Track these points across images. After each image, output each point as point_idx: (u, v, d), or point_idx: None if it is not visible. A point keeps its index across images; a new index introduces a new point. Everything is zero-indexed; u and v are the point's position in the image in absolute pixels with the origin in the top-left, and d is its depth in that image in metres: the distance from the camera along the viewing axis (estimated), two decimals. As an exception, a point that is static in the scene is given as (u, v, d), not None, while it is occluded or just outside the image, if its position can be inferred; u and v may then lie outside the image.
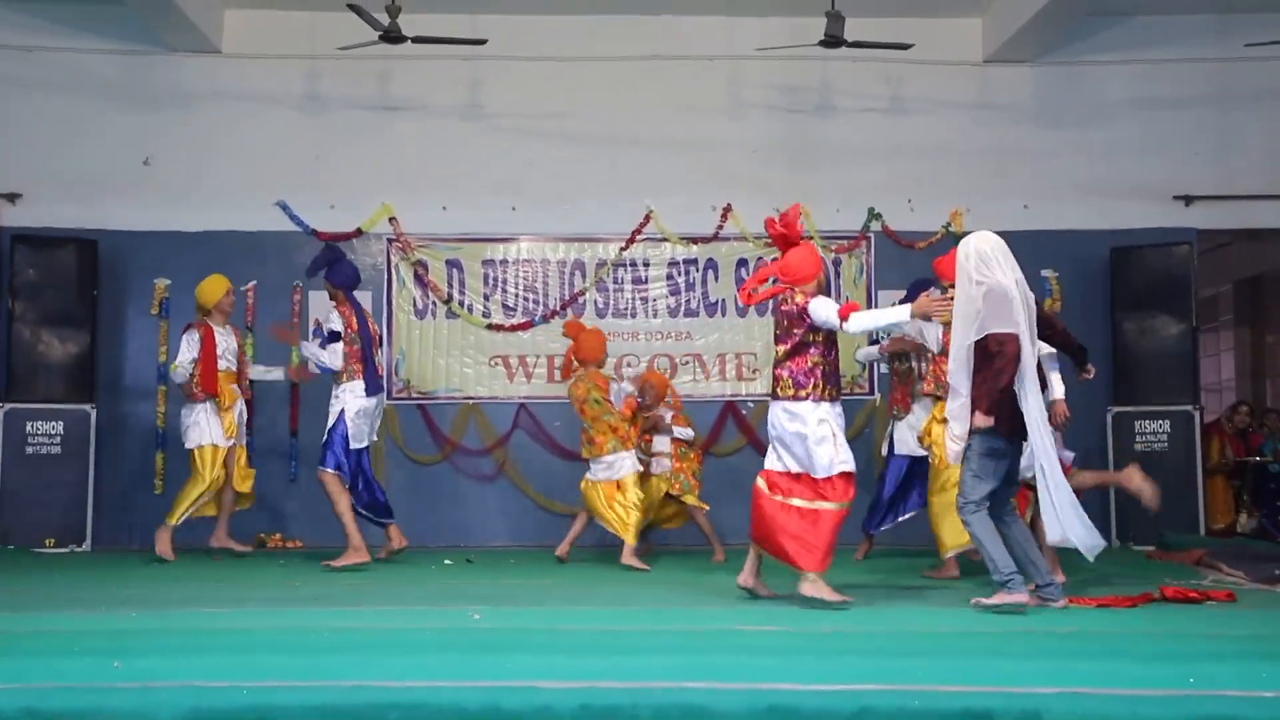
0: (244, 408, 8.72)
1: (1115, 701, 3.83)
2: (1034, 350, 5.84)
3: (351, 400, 7.95)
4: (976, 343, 5.79)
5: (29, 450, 9.35)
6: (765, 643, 5.01)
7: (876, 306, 10.09)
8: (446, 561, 8.58)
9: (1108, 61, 10.28)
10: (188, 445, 8.38)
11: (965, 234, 9.70)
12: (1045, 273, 9.95)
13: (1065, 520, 5.77)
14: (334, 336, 8.05)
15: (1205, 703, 3.81)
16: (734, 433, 10.08)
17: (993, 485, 5.85)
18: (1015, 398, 5.77)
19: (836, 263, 10.21)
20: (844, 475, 5.99)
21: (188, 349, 8.32)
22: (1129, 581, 7.22)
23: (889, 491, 8.34)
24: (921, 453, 8.08)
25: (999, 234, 5.99)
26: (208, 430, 8.32)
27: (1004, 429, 5.78)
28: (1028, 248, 5.92)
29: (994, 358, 5.73)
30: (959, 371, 5.89)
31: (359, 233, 10.09)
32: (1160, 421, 9.70)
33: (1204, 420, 10.11)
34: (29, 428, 9.36)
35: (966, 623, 5.61)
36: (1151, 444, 9.72)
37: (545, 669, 4.18)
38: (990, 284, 5.78)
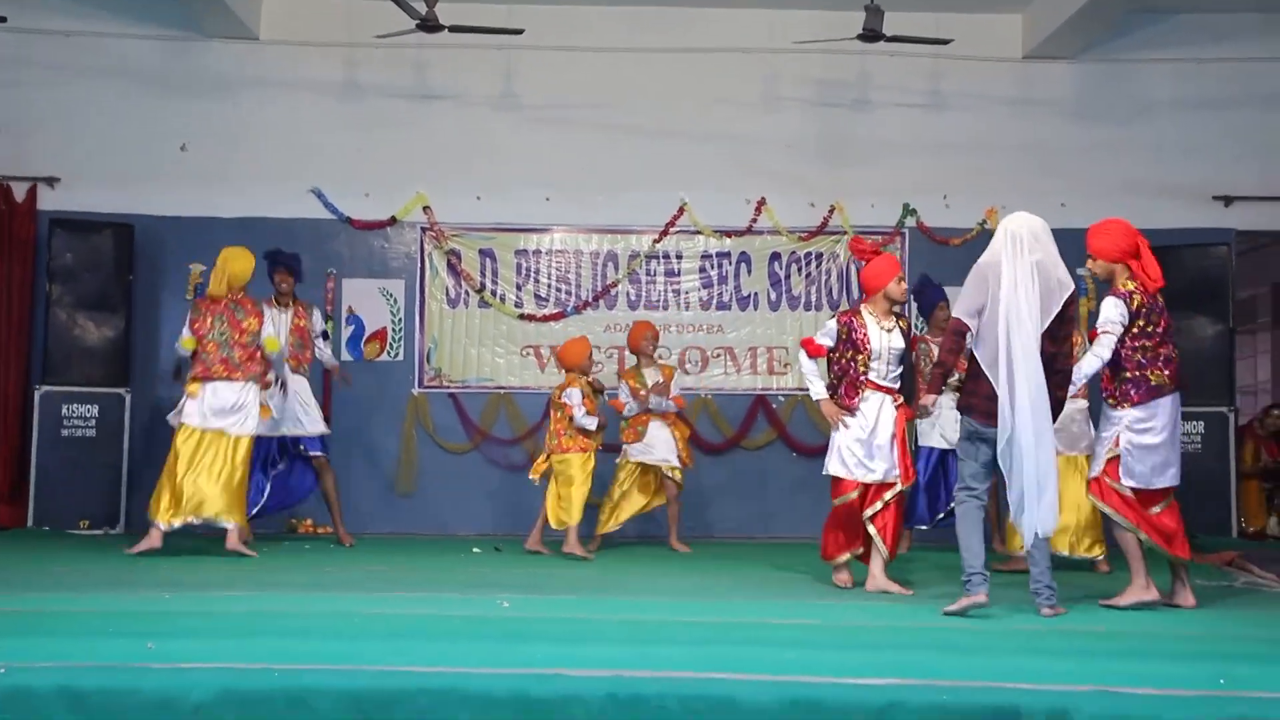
0: None
1: (1144, 701, 3.82)
2: (1032, 339, 5.46)
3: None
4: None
5: (64, 433, 9.46)
6: (793, 635, 5.01)
7: (911, 302, 10.08)
8: (475, 550, 8.63)
9: (1149, 60, 10.19)
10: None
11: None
12: (1081, 271, 9.86)
13: (1029, 504, 5.45)
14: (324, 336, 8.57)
15: (1235, 704, 3.79)
16: (764, 426, 10.08)
17: (977, 469, 5.66)
18: (991, 384, 5.52)
19: (870, 258, 10.17)
20: (833, 477, 6.53)
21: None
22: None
23: (922, 482, 8.42)
24: (950, 444, 8.17)
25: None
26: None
27: (980, 415, 5.59)
28: (1064, 246, 5.77)
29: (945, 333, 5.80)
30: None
31: (393, 221, 10.15)
32: (1195, 423, 9.60)
33: (1239, 423, 10.01)
34: (64, 410, 9.47)
35: (996, 619, 5.59)
36: (1185, 446, 9.57)
37: (573, 658, 4.19)
38: (980, 263, 5.66)
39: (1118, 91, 10.25)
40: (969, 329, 5.62)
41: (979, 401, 5.59)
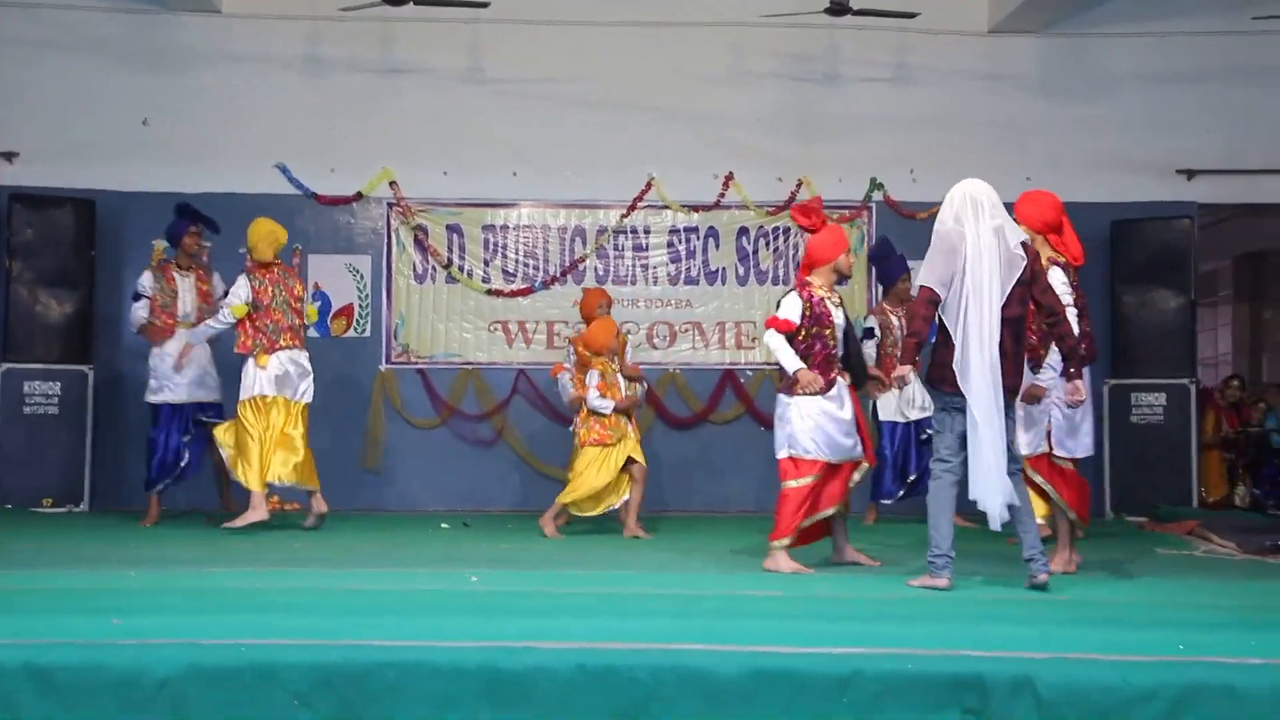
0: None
1: (1106, 667, 3.87)
2: (990, 311, 5.45)
3: None
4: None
5: (26, 410, 9.37)
6: (761, 607, 5.06)
7: (876, 276, 10.15)
8: (444, 525, 8.63)
9: (1114, 34, 10.23)
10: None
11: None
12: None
13: (983, 483, 5.42)
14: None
15: (1194, 669, 3.85)
16: (732, 401, 10.11)
17: (952, 440, 5.60)
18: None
19: (837, 232, 10.20)
20: (789, 459, 6.16)
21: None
22: (1124, 551, 7.29)
23: (889, 456, 8.60)
24: (915, 416, 8.30)
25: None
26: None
27: (951, 386, 5.52)
28: None
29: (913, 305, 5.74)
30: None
31: (359, 196, 10.09)
32: (1157, 394, 9.73)
33: (1200, 394, 10.14)
34: (26, 388, 9.37)
35: (961, 590, 5.65)
36: (1147, 416, 9.76)
37: (542, 630, 4.22)
38: (942, 230, 5.57)
39: (1082, 65, 10.29)
40: (940, 298, 5.53)
41: (950, 372, 5.54)
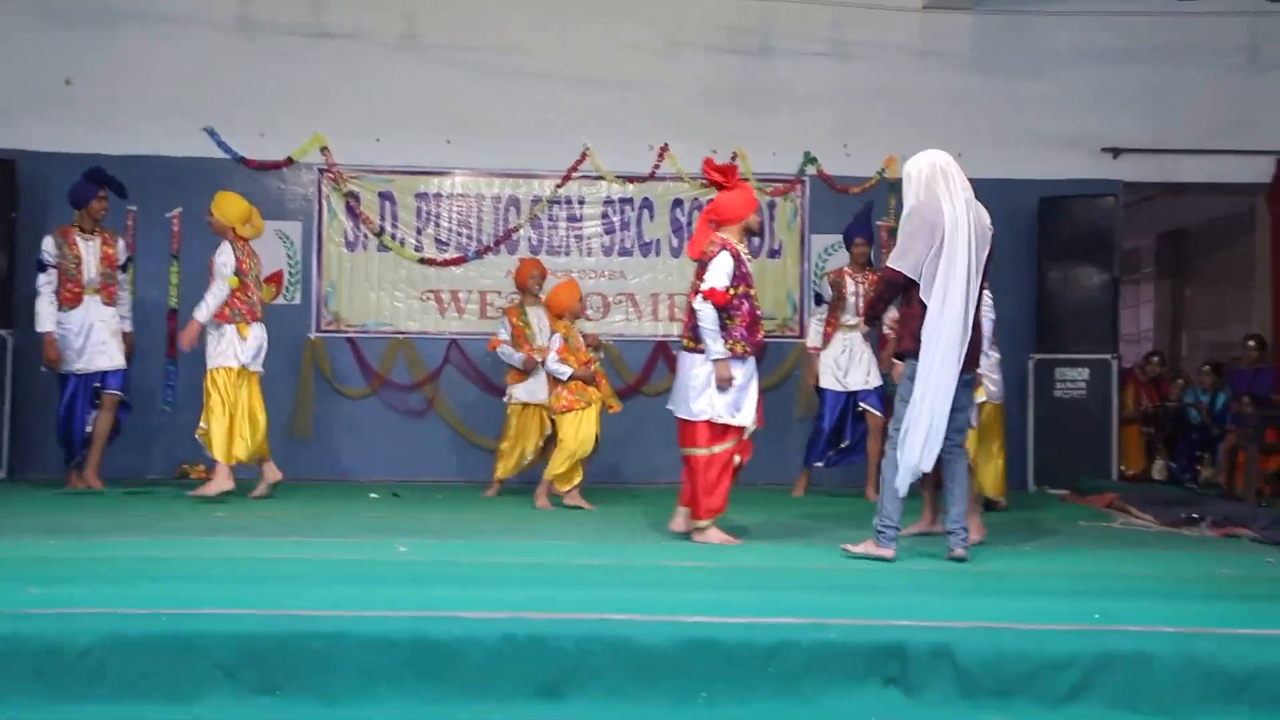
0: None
1: (1023, 636, 3.95)
2: (968, 287, 5.46)
3: None
4: None
5: (-55, 376, 9.14)
6: (688, 577, 5.09)
7: (810, 250, 10.20)
8: (373, 495, 8.57)
9: (1045, 12, 10.30)
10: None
11: (899, 180, 9.84)
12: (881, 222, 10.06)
13: (913, 446, 5.45)
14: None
15: (1109, 637, 3.94)
16: (664, 372, 10.10)
17: None
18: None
19: (771, 205, 10.23)
20: (714, 424, 6.08)
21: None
22: (1046, 523, 7.43)
23: (826, 426, 8.59)
24: (854, 387, 8.32)
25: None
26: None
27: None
28: None
29: (878, 282, 5.71)
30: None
31: (289, 162, 9.93)
32: (1080, 370, 9.89)
33: (1121, 369, 10.33)
34: (-55, 353, 9.14)
35: (885, 560, 5.72)
36: (1070, 391, 9.92)
37: (470, 600, 4.22)
38: (921, 205, 5.51)
39: (1014, 43, 10.37)
40: (904, 284, 5.48)
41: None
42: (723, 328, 6.04)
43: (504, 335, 8.55)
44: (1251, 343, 10.70)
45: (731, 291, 6.02)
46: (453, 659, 3.84)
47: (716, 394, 6.04)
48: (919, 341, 5.49)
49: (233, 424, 7.77)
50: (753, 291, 6.14)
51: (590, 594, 4.48)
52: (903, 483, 5.49)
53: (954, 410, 5.51)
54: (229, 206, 8.09)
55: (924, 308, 5.48)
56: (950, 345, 5.43)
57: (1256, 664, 3.81)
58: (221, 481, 7.78)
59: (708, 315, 6.01)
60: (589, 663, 3.85)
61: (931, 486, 6.53)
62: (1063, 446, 9.81)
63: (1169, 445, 11.12)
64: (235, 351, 7.84)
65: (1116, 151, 10.31)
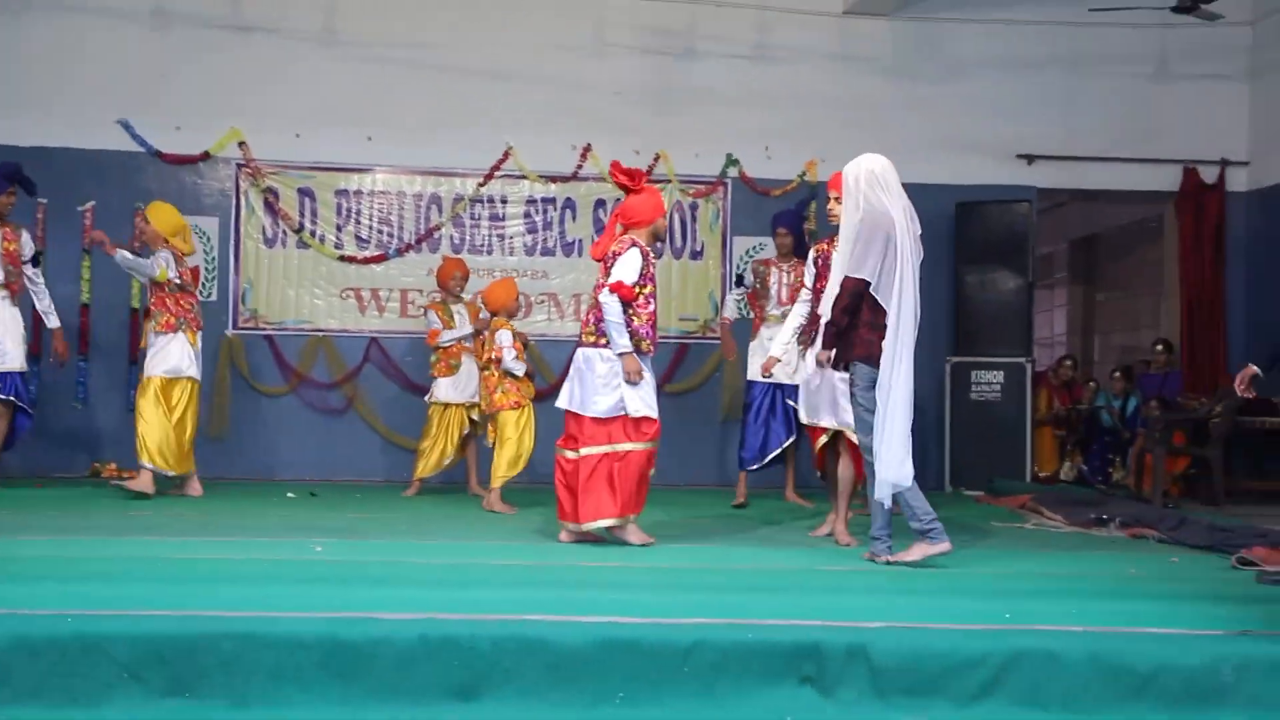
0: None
1: (937, 635, 3.99)
2: (915, 292, 5.55)
3: None
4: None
5: None
6: (604, 577, 5.09)
7: (731, 253, 10.24)
8: (290, 495, 8.45)
9: (962, 19, 10.45)
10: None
11: (820, 184, 9.91)
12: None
13: (893, 460, 5.46)
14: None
15: (1019, 636, 4.00)
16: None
17: None
18: (883, 330, 5.52)
19: (693, 207, 10.27)
20: (638, 419, 6.05)
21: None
22: (960, 524, 7.52)
23: (752, 420, 8.27)
24: (783, 381, 8.14)
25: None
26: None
27: (880, 359, 5.53)
28: None
29: (839, 294, 5.63)
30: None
31: (206, 156, 9.74)
32: (995, 372, 10.04)
33: (1035, 373, 10.51)
34: None
35: (801, 560, 5.77)
36: (985, 394, 10.08)
37: (384, 601, 4.18)
38: (870, 211, 5.56)
39: (930, 49, 10.51)
40: (867, 286, 5.51)
41: (879, 349, 5.53)
42: (627, 324, 6.02)
43: (437, 325, 8.55)
44: (1159, 347, 10.93)
45: (639, 290, 6.03)
46: (366, 660, 3.79)
47: (629, 389, 5.99)
48: (871, 347, 5.54)
49: (165, 432, 7.75)
50: (656, 292, 6.17)
51: (506, 594, 4.46)
52: (884, 494, 5.50)
53: None
54: (165, 216, 8.05)
55: (873, 313, 5.53)
56: (908, 350, 5.51)
57: (1160, 662, 3.89)
58: (145, 483, 7.68)
59: (614, 309, 6.00)
60: (504, 663, 3.82)
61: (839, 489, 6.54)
62: (978, 448, 9.95)
63: (1081, 448, 11.33)
64: (184, 361, 7.88)
65: (1031, 158, 10.50)
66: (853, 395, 5.73)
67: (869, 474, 5.63)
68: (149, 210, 8.13)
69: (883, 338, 5.52)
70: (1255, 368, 5.38)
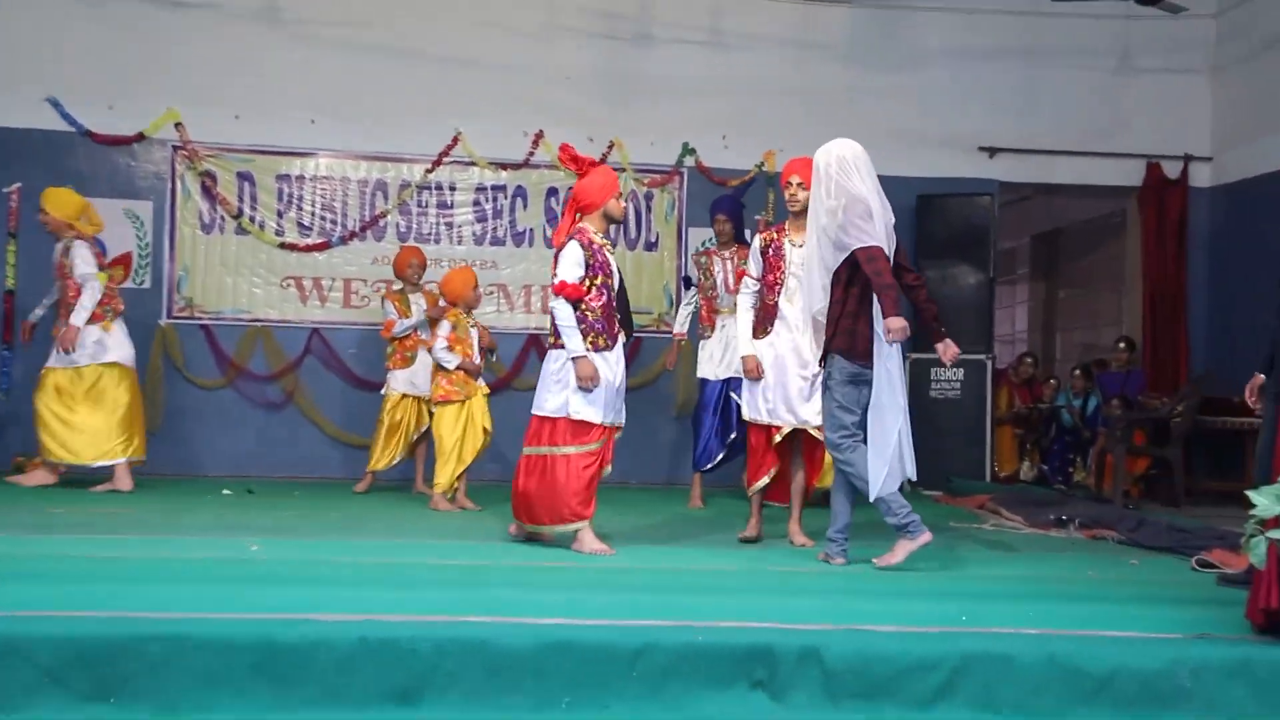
0: None
1: (890, 638, 4.01)
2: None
3: None
4: (845, 261, 5.55)
5: None
6: (549, 578, 5.07)
7: (687, 244, 10.24)
8: (225, 491, 8.36)
9: (924, 8, 10.52)
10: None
11: (777, 175, 9.91)
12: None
13: (890, 460, 5.51)
14: None
15: (974, 639, 4.03)
16: (536, 366, 9.99)
17: (859, 416, 5.59)
18: (871, 321, 5.53)
19: (649, 197, 10.26)
20: (575, 421, 5.95)
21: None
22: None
23: (707, 419, 8.23)
24: (725, 375, 8.11)
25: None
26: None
27: (862, 357, 5.54)
28: None
29: (866, 266, 5.45)
30: (815, 295, 5.80)
31: (141, 137, 9.61)
32: (955, 369, 10.08)
33: (996, 370, 10.59)
34: None
35: (752, 561, 5.78)
36: (946, 392, 10.15)
37: (322, 601, 4.14)
38: (852, 194, 5.55)
39: (892, 38, 10.54)
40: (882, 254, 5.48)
41: (862, 342, 5.52)
42: (582, 321, 5.91)
43: (393, 316, 8.49)
44: (1121, 344, 11.05)
45: (589, 283, 5.91)
46: (302, 663, 3.75)
47: (576, 391, 5.89)
48: (853, 339, 5.53)
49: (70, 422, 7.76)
50: (611, 282, 6.00)
51: (449, 595, 4.43)
52: (889, 488, 5.50)
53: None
54: (62, 201, 8.00)
55: (859, 304, 5.51)
56: (895, 349, 5.52)
57: (1115, 665, 3.92)
58: (47, 477, 7.76)
59: (561, 312, 5.88)
60: (446, 666, 3.79)
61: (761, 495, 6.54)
62: (937, 447, 9.97)
63: (1041, 447, 11.44)
64: (106, 348, 7.88)
65: (993, 151, 10.58)
66: (827, 388, 5.68)
67: (859, 462, 5.57)
68: (45, 200, 8.04)
69: (865, 328, 5.51)
70: (1262, 376, 5.46)
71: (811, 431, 6.30)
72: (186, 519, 6.75)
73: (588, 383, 5.83)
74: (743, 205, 8.89)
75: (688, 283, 8.94)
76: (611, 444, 6.04)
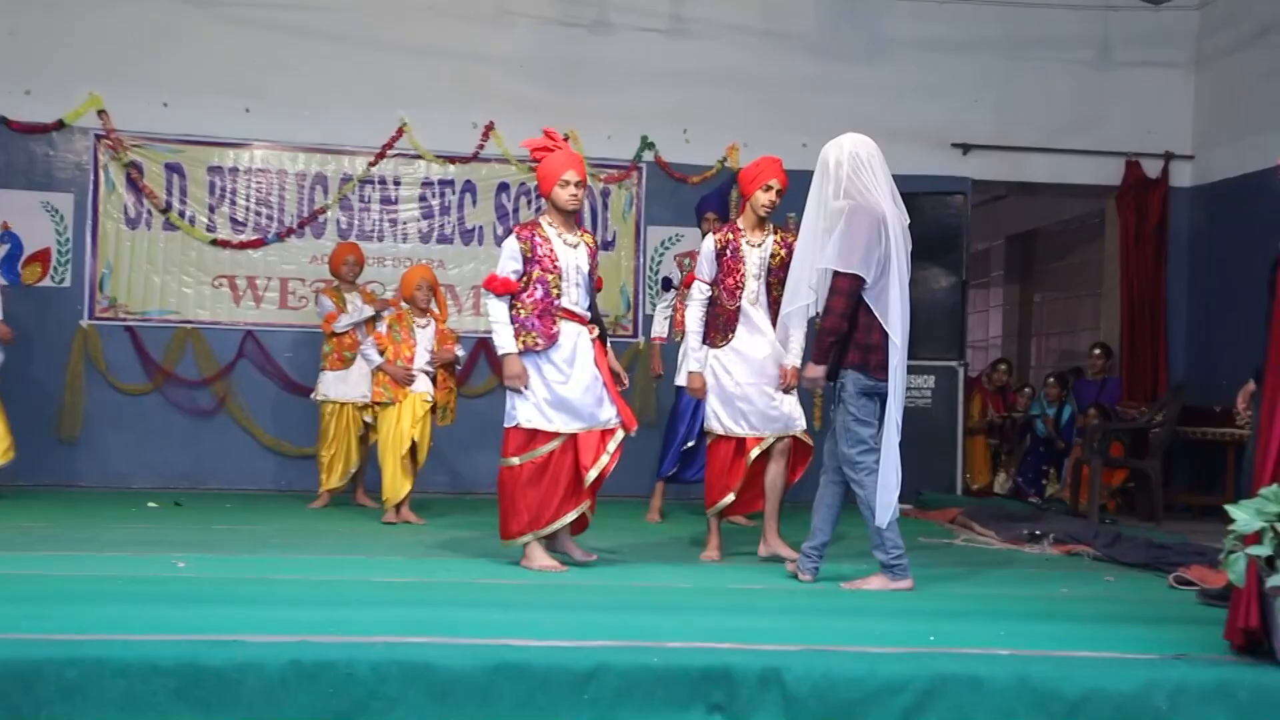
0: None
1: (854, 659, 4.02)
2: (905, 290, 5.49)
3: None
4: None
5: None
6: (497, 596, 5.07)
7: (645, 243, 10.25)
8: (151, 504, 8.33)
9: (893, -3, 10.59)
10: None
11: (739, 170, 9.95)
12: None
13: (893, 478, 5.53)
14: None
15: (943, 660, 4.04)
16: (486, 371, 10.05)
17: (875, 428, 5.55)
18: (884, 333, 5.45)
19: (605, 193, 10.26)
20: (520, 428, 5.91)
21: None
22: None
23: (681, 427, 8.23)
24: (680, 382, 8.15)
25: (772, 173, 6.09)
26: None
27: (878, 370, 5.47)
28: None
29: (831, 295, 5.43)
30: (799, 293, 5.73)
31: (60, 125, 9.53)
32: (926, 377, 10.14)
33: (968, 377, 10.66)
34: None
35: (710, 578, 5.79)
36: (916, 400, 10.16)
37: (253, 622, 4.12)
38: (859, 203, 5.44)
39: (861, 28, 10.58)
40: (865, 284, 5.40)
41: (876, 355, 5.47)
42: (514, 319, 5.90)
43: (332, 309, 8.48)
44: (1097, 351, 11.08)
45: (523, 278, 5.89)
46: (230, 688, 3.72)
47: (511, 395, 5.88)
48: (865, 352, 5.47)
49: None
50: (550, 277, 5.90)
51: (389, 614, 4.41)
52: (884, 519, 5.48)
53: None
54: None
55: (869, 315, 5.43)
56: (904, 353, 5.48)
57: (1089, 687, 3.95)
58: None
59: (491, 308, 5.94)
60: (385, 691, 3.77)
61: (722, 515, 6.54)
62: (906, 457, 9.96)
63: (1015, 458, 11.52)
64: None
65: (966, 147, 10.65)
66: (841, 402, 5.57)
67: (826, 490, 5.61)
68: None
69: (877, 340, 5.45)
70: (1254, 384, 5.51)
71: (799, 435, 6.30)
72: (108, 534, 6.71)
73: (515, 381, 5.83)
74: (730, 203, 8.93)
75: (666, 284, 8.96)
76: (603, 446, 5.90)
